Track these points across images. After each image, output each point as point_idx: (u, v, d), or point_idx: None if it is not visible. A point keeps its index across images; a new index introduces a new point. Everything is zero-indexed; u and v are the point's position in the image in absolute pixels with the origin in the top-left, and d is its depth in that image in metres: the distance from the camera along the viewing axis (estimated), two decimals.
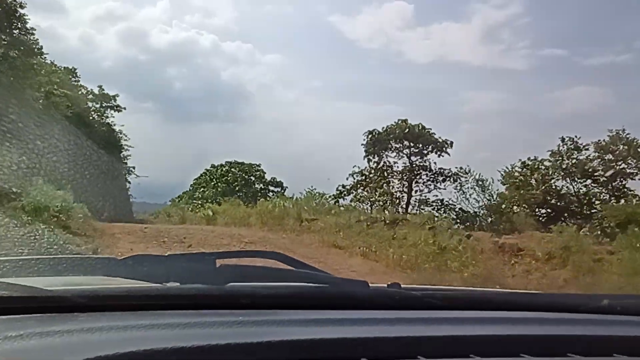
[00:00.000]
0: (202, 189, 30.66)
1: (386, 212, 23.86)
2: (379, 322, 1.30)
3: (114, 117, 39.96)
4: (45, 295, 1.27)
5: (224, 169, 31.93)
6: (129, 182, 41.65)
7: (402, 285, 1.69)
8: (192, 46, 60.68)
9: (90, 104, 38.58)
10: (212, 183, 30.64)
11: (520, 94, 48.97)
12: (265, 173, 33.02)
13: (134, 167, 42.16)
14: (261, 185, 32.65)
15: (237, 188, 30.24)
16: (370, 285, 1.68)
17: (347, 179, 28.54)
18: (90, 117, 36.52)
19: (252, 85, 64.32)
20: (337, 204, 25.67)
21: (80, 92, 36.24)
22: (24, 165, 23.72)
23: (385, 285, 1.72)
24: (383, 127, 28.22)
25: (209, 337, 1.04)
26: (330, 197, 25.67)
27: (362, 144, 28.22)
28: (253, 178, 32.11)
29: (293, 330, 1.19)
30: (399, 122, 28.30)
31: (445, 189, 28.65)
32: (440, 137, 28.97)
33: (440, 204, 28.39)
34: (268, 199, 29.82)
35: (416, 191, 28.95)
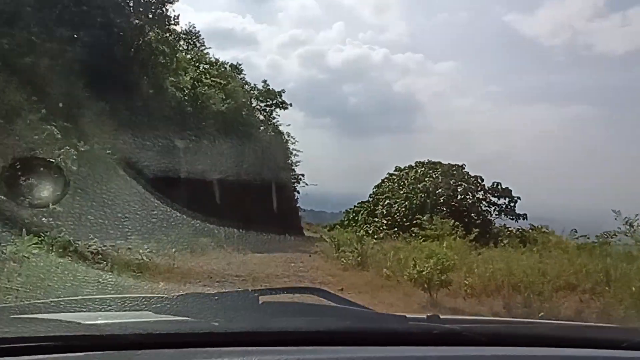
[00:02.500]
0: (386, 200, 21.74)
1: None
2: None
3: (279, 115, 34.19)
4: (104, 334, 1.44)
5: (418, 172, 21.96)
6: (298, 192, 35.55)
7: (441, 317, 1.68)
8: (365, 61, 61.85)
9: (253, 102, 33.29)
10: (402, 192, 21.61)
11: None
12: (483, 179, 21.62)
13: (303, 175, 36.06)
14: (477, 194, 21.54)
15: (441, 199, 20.22)
16: (409, 317, 1.69)
17: None
18: (252, 116, 31.03)
19: (424, 95, 62.28)
20: None
21: (242, 89, 30.56)
22: (156, 173, 18.03)
23: (425, 316, 1.70)
24: None
25: None
26: None
27: None
28: (463, 184, 22.30)
29: None
30: None
31: None
32: None
33: None
34: (490, 216, 19.64)
35: None
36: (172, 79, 20.59)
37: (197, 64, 26.23)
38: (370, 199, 23.16)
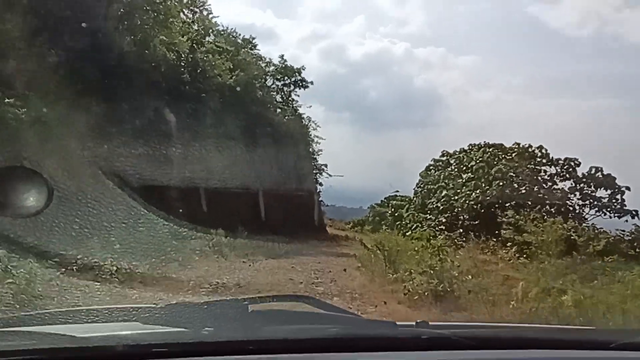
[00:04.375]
0: (442, 191, 16.05)
1: None
2: None
3: (298, 95, 29.36)
4: (91, 346, 1.38)
5: (486, 154, 15.93)
6: (320, 184, 30.76)
7: (430, 323, 1.70)
8: (386, 55, 60.41)
9: (269, 80, 28.55)
10: (465, 180, 15.72)
11: None
12: (578, 163, 15.51)
13: (326, 165, 31.27)
14: (566, 183, 15.44)
15: (523, 190, 14.00)
16: (398, 324, 1.72)
17: None
18: (267, 94, 26.41)
19: (446, 89, 60.79)
20: None
21: (255, 63, 25.73)
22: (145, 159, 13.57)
23: (414, 323, 1.72)
24: None
25: None
26: None
27: None
28: (546, 169, 15.47)
29: None
30: None
31: None
32: None
33: None
34: (584, 211, 14.10)
35: None
36: (163, 37, 16.00)
37: (201, 29, 21.58)
38: (419, 190, 17.97)
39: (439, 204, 15.28)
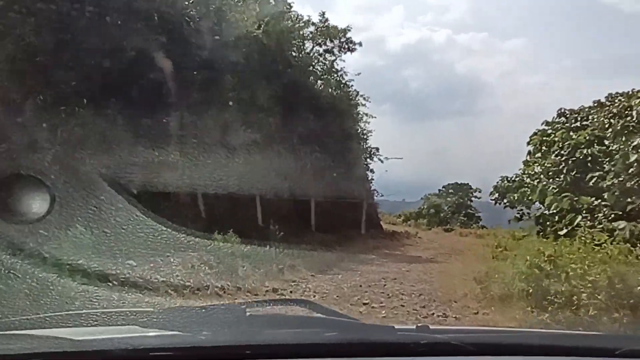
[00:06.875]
0: (627, 157, 9.18)
1: None
2: None
3: (344, 61, 23.61)
4: (90, 350, 1.39)
5: None
6: (372, 171, 25.07)
7: (431, 327, 1.67)
8: (426, 44, 56.83)
9: (308, 44, 23.08)
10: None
11: None
12: None
13: (377, 149, 25.46)
14: None
15: None
16: (397, 328, 1.66)
17: None
18: (306, 57, 21.27)
19: (490, 76, 56.41)
20: None
21: (290, 18, 20.27)
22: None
23: (414, 327, 1.70)
24: None
25: None
26: None
27: None
28: None
29: None
30: None
31: None
32: None
33: None
34: None
35: None
36: None
37: None
38: (559, 160, 11.09)
39: (617, 179, 8.98)
